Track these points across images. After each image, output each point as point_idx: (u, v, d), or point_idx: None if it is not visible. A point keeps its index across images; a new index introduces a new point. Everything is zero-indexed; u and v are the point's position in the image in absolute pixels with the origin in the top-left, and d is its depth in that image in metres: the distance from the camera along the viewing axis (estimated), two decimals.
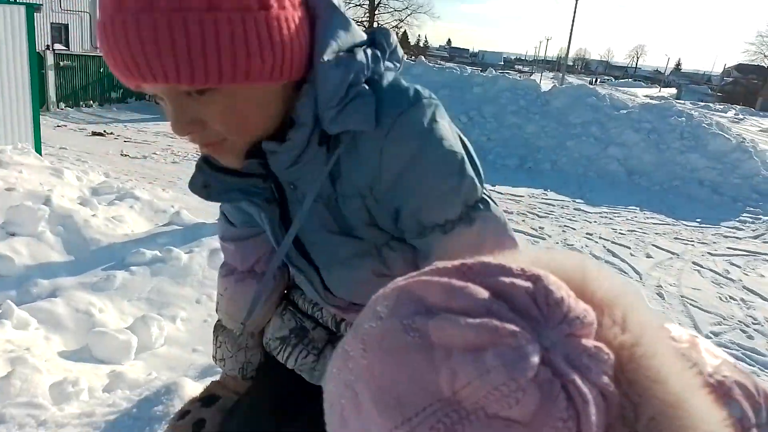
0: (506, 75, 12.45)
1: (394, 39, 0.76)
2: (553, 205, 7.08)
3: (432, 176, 0.72)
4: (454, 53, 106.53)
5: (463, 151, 0.74)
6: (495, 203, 0.78)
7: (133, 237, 3.97)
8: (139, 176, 6.54)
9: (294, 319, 1.02)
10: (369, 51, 0.71)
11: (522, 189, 7.73)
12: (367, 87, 0.69)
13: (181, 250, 3.61)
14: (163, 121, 10.88)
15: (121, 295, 3.19)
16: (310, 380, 0.98)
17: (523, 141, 9.94)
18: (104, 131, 9.47)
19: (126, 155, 7.74)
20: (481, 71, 12.65)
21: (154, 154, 7.95)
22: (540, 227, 5.93)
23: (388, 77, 0.71)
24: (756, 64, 65.74)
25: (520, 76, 13.16)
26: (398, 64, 0.75)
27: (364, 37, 0.73)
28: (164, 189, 5.89)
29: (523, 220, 6.11)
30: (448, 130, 0.73)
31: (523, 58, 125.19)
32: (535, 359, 0.33)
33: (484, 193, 0.77)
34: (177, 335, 2.96)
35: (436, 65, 12.79)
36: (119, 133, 9.55)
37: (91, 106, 12.40)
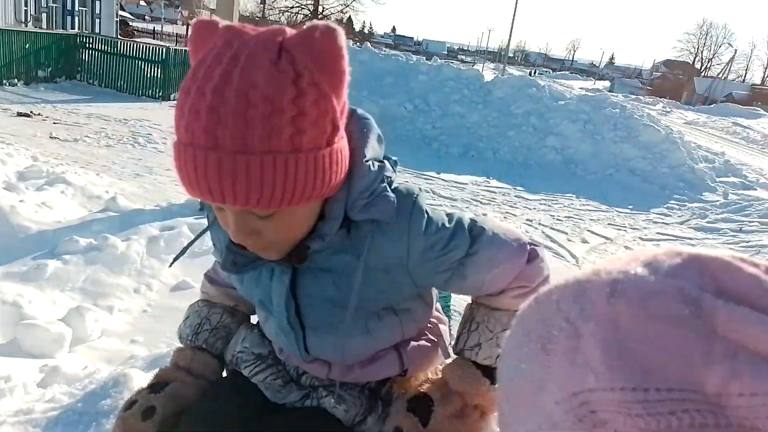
0: (450, 64, 12.56)
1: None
2: (495, 193, 7.26)
3: (442, 232, 0.89)
4: (398, 41, 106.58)
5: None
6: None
7: (65, 224, 3.77)
8: (71, 160, 6.19)
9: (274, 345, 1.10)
10: (388, 162, 0.90)
11: (466, 177, 7.87)
12: (387, 186, 0.86)
13: (118, 238, 3.46)
14: (95, 103, 10.35)
15: (52, 285, 3.03)
16: (272, 399, 1.03)
17: (467, 130, 10.10)
18: (31, 112, 8.87)
19: (56, 138, 7.29)
20: (426, 60, 12.71)
21: (87, 137, 7.54)
22: (483, 214, 6.06)
23: (394, 179, 0.91)
24: (682, 60, 69.46)
25: (463, 66, 13.32)
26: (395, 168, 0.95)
27: (382, 147, 0.92)
28: (98, 174, 5.61)
29: (467, 207, 6.23)
30: None
31: (466, 48, 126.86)
32: None
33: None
34: (115, 326, 2.84)
35: (382, 52, 12.75)
36: (48, 114, 8.98)
37: (16, 84, 11.58)
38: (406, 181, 0.96)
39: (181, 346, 1.15)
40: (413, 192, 0.89)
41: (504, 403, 0.39)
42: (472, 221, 0.92)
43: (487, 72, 22.69)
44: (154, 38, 33.82)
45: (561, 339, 0.33)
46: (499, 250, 0.91)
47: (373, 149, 0.86)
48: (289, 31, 0.71)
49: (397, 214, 0.85)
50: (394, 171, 0.90)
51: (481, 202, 6.57)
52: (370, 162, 0.84)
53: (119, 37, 19.59)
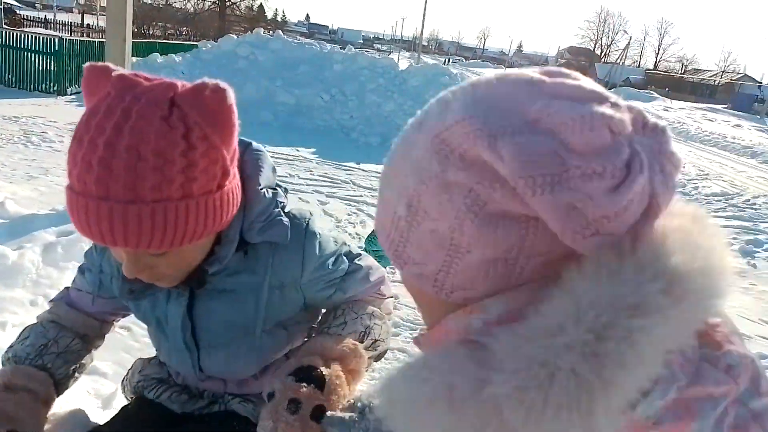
0: (365, 53, 12.53)
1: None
2: None
3: (331, 252, 1.01)
4: (313, 29, 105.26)
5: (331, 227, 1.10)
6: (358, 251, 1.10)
7: None
8: None
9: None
10: (280, 189, 0.98)
11: None
12: (281, 211, 0.94)
13: (8, 247, 3.16)
14: None
15: None
16: (181, 410, 1.08)
17: (384, 119, 10.14)
18: None
19: None
20: (341, 48, 12.61)
21: None
22: None
23: (287, 204, 1.00)
24: (584, 46, 73.59)
25: (379, 55, 13.34)
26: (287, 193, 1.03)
27: (275, 176, 1.00)
28: None
29: None
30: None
31: (382, 37, 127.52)
32: (625, 126, 0.41)
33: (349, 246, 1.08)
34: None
35: (295, 41, 12.50)
36: None
37: None
38: (300, 207, 1.04)
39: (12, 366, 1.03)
40: (305, 216, 0.99)
41: (385, 182, 0.52)
42: (349, 245, 1.08)
43: (403, 61, 22.91)
44: (46, 27, 31.38)
45: (434, 114, 0.47)
46: (370, 268, 1.07)
47: (266, 178, 0.94)
48: (181, 85, 0.74)
49: (292, 236, 0.94)
50: (286, 197, 1.00)
51: None
52: (264, 190, 0.92)
53: (5, 26, 17.95)
